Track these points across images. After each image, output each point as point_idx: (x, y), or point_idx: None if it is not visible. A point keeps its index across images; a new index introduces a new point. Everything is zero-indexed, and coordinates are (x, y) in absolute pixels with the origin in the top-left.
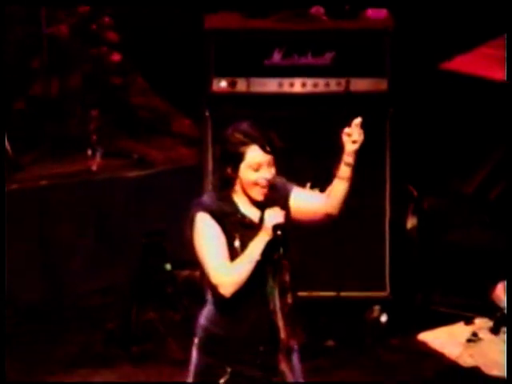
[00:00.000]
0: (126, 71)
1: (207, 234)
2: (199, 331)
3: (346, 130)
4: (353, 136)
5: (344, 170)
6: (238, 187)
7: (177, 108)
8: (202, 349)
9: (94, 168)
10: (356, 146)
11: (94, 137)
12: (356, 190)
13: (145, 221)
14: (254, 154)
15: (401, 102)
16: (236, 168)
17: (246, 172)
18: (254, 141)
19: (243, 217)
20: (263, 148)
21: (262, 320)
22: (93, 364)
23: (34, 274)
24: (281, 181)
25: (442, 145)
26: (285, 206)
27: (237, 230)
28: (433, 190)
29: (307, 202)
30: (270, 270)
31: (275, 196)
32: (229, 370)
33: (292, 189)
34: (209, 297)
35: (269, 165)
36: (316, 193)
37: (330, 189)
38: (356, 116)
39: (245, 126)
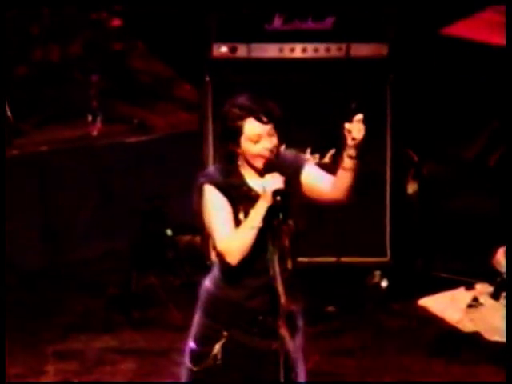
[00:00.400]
0: (127, 37)
1: (214, 205)
2: (203, 293)
3: (347, 125)
4: (353, 133)
5: (347, 162)
6: (242, 161)
7: (177, 73)
8: (203, 310)
9: (95, 133)
10: (356, 142)
11: (95, 102)
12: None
13: (145, 186)
14: (252, 127)
15: (401, 67)
16: (237, 142)
17: (246, 145)
18: (250, 113)
19: (249, 189)
20: (259, 119)
21: (263, 286)
22: (93, 329)
23: (35, 240)
24: (291, 153)
25: (442, 110)
26: (296, 178)
27: (242, 202)
28: (433, 155)
29: (317, 181)
30: (269, 236)
31: (285, 167)
32: (225, 333)
33: (305, 163)
34: (215, 261)
35: (269, 134)
36: (327, 176)
37: (335, 179)
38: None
39: (241, 99)
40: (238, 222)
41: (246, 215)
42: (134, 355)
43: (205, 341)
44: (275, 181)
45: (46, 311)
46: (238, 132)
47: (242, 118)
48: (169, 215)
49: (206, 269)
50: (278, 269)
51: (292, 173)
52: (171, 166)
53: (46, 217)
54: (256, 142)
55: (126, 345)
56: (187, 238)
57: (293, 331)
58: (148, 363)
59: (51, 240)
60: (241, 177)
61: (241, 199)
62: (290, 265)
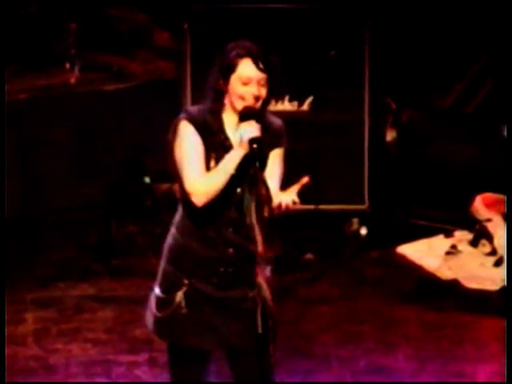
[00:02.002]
0: None
1: (188, 142)
2: (167, 239)
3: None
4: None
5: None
6: (227, 101)
7: (156, 21)
8: (167, 257)
9: (73, 81)
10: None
11: (73, 50)
12: (335, 102)
13: (124, 134)
14: (246, 68)
15: (380, 15)
16: (227, 79)
17: (235, 84)
18: (248, 54)
19: (225, 138)
20: (256, 63)
21: (226, 237)
22: (72, 278)
23: (14, 188)
24: (278, 122)
25: (421, 57)
26: (271, 145)
27: (216, 150)
28: (412, 102)
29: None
30: (246, 184)
31: (268, 128)
32: (186, 281)
33: (281, 145)
34: (180, 205)
35: (259, 83)
36: (274, 184)
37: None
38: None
39: (246, 41)
40: (207, 169)
41: (217, 164)
42: (112, 303)
43: (168, 288)
44: (252, 129)
45: (25, 259)
46: (231, 69)
47: (241, 56)
48: (147, 163)
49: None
50: (254, 217)
51: (267, 141)
52: (149, 113)
53: (24, 165)
54: (245, 84)
55: (105, 293)
56: (165, 185)
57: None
58: (127, 311)
59: (30, 189)
60: (221, 122)
61: (215, 146)
62: (266, 213)
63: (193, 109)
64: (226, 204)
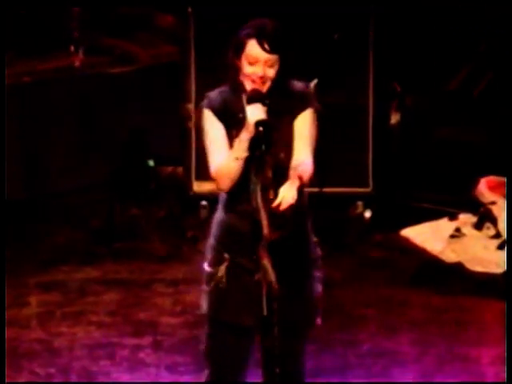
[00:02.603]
0: None
1: (209, 131)
2: (214, 216)
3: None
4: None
5: None
6: (242, 79)
7: (160, 4)
8: (212, 233)
9: (77, 64)
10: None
11: (76, 33)
12: (340, 86)
13: (128, 117)
14: (252, 48)
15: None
16: (239, 58)
17: (244, 63)
18: (255, 34)
19: (244, 117)
20: (261, 44)
21: (246, 217)
22: (76, 261)
23: (18, 171)
24: (301, 86)
25: (426, 40)
26: (297, 109)
27: (237, 128)
28: (416, 86)
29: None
30: (252, 167)
31: (289, 98)
32: (227, 256)
33: (308, 106)
34: None
35: (266, 63)
36: (300, 148)
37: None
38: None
39: (260, 20)
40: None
41: None
42: (116, 286)
43: (213, 262)
44: (257, 112)
45: (28, 242)
46: (241, 48)
47: (249, 35)
48: (151, 146)
49: (188, 199)
50: (260, 200)
51: (292, 107)
52: (154, 97)
53: (27, 148)
54: (251, 64)
55: (109, 276)
56: (169, 169)
57: (276, 261)
58: (131, 294)
59: (34, 171)
60: (241, 101)
61: (236, 125)
62: (272, 196)
63: (213, 93)
64: (241, 188)
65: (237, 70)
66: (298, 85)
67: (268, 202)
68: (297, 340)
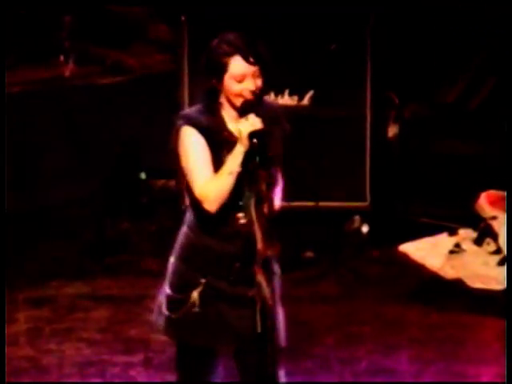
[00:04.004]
0: None
1: (193, 149)
2: (180, 237)
3: None
4: None
5: None
6: (223, 99)
7: (153, 13)
8: (180, 256)
9: (67, 74)
10: None
11: (67, 43)
12: (336, 97)
13: (119, 129)
14: (237, 65)
15: (382, 6)
16: (220, 79)
17: (229, 83)
18: (237, 51)
19: (230, 134)
20: (246, 59)
21: (239, 232)
22: (66, 276)
23: (7, 184)
24: (276, 105)
25: (424, 53)
26: (270, 131)
27: (223, 147)
28: (414, 98)
29: None
30: (245, 181)
31: (267, 115)
32: (203, 280)
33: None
34: (188, 206)
35: (253, 76)
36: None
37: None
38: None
39: (231, 36)
40: (219, 169)
41: None
42: (107, 302)
43: (182, 287)
44: (251, 122)
45: (17, 257)
46: (223, 68)
47: (229, 54)
48: (142, 158)
49: (181, 213)
50: (254, 214)
51: (278, 126)
52: (145, 108)
53: (16, 160)
54: (239, 81)
55: (100, 291)
56: (162, 182)
57: (269, 277)
58: (122, 310)
59: (22, 184)
60: (221, 119)
61: (222, 144)
62: (266, 209)
63: (191, 112)
64: (238, 199)
65: (216, 92)
66: (270, 100)
67: (263, 216)
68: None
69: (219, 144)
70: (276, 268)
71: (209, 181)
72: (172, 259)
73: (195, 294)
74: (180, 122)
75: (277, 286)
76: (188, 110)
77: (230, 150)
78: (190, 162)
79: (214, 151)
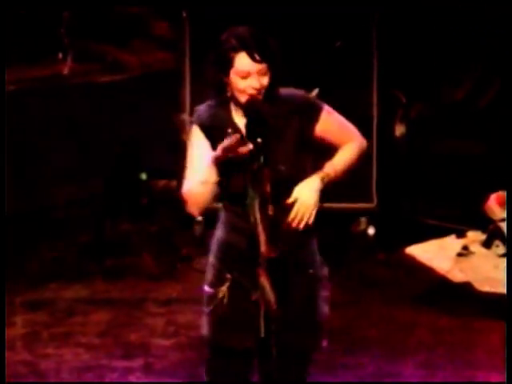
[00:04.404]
0: None
1: (192, 149)
2: (214, 235)
3: None
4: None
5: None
6: (231, 92)
7: (154, 10)
8: (212, 252)
9: (66, 72)
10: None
11: (66, 39)
12: (342, 96)
13: (119, 128)
14: (242, 62)
15: (389, 5)
16: (227, 73)
17: (234, 79)
18: (243, 47)
19: (234, 130)
20: (251, 56)
21: (244, 233)
22: (64, 278)
23: (6, 184)
24: (299, 93)
25: (431, 51)
26: (303, 125)
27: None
28: (422, 96)
29: (332, 140)
30: (249, 181)
31: (291, 107)
32: (229, 276)
33: (319, 112)
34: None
35: (259, 73)
36: (342, 133)
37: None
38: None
39: (240, 30)
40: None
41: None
42: (106, 306)
43: (214, 283)
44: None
45: (14, 259)
46: (229, 64)
47: (235, 50)
48: (143, 158)
49: (182, 214)
50: (258, 215)
51: (298, 117)
52: (146, 107)
53: (13, 160)
54: (244, 78)
55: (99, 295)
56: (163, 182)
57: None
58: (121, 314)
59: (21, 185)
60: (230, 114)
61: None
62: (271, 211)
63: (202, 107)
64: (238, 203)
65: (224, 86)
66: (293, 94)
67: (267, 217)
68: (300, 364)
69: (222, 139)
70: (323, 271)
71: (193, 185)
72: (209, 256)
73: (224, 289)
74: (192, 119)
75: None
76: (200, 106)
77: None
78: (188, 162)
79: (218, 146)
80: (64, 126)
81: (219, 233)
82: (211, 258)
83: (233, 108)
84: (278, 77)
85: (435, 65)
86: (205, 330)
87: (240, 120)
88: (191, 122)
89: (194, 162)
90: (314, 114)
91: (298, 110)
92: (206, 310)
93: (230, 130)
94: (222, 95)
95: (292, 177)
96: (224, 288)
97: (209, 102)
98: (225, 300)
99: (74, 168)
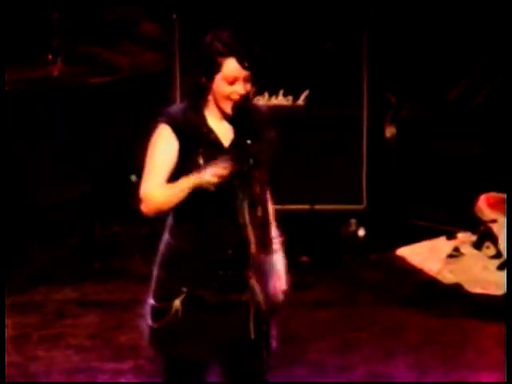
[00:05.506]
0: None
1: (158, 148)
2: (161, 244)
3: None
4: None
5: None
6: (210, 98)
7: (144, 10)
8: (161, 264)
9: (55, 74)
10: None
11: (55, 41)
12: (332, 97)
13: (109, 130)
14: (231, 67)
15: (381, 4)
16: (210, 78)
17: (220, 84)
18: (233, 53)
19: (209, 131)
20: (241, 62)
21: (233, 235)
22: (54, 281)
23: None
24: (265, 110)
25: (422, 50)
26: (260, 134)
27: (202, 145)
28: (412, 97)
29: None
30: (239, 183)
31: (256, 118)
32: (184, 289)
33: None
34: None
35: (245, 80)
36: None
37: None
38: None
39: (226, 35)
40: (197, 167)
41: (206, 160)
42: (96, 308)
43: (164, 296)
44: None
45: (4, 261)
46: (216, 68)
47: (224, 55)
48: (134, 160)
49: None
50: (248, 217)
51: (260, 129)
52: (136, 108)
53: (4, 161)
54: (231, 83)
55: (89, 297)
56: None
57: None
58: (112, 316)
59: (10, 186)
60: (203, 118)
61: (199, 141)
62: (260, 212)
63: (173, 109)
64: (222, 205)
65: (204, 90)
66: (259, 104)
67: (256, 218)
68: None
69: (197, 140)
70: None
71: (158, 187)
72: (155, 267)
73: (177, 303)
74: (159, 118)
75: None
76: (171, 107)
77: (209, 149)
78: (150, 161)
79: (191, 147)
80: (53, 128)
81: (173, 244)
82: (159, 270)
83: (207, 113)
84: (258, 82)
85: (426, 66)
86: (155, 344)
87: (216, 125)
88: (159, 122)
89: (160, 164)
90: (272, 138)
91: (266, 125)
92: (152, 323)
93: (205, 130)
94: (199, 99)
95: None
96: (177, 302)
97: (180, 105)
98: (179, 314)
99: (64, 169)
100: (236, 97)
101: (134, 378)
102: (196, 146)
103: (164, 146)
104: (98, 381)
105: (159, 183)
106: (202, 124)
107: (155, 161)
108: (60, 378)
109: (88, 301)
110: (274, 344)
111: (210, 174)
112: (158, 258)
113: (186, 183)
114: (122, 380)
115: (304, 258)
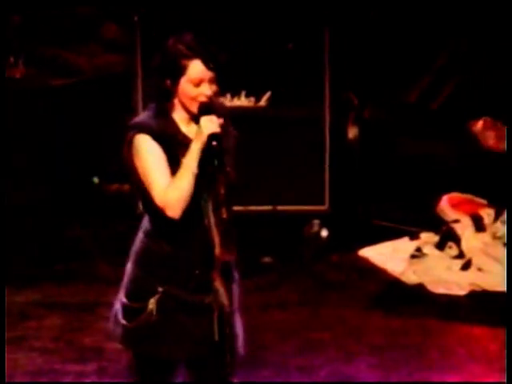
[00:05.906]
0: None
1: (149, 158)
2: (137, 244)
3: None
4: None
5: None
6: (176, 101)
7: (104, 13)
8: (136, 263)
9: (18, 76)
10: None
11: (16, 43)
12: (294, 97)
13: (71, 131)
14: (197, 69)
15: (340, 6)
16: (176, 81)
17: (185, 86)
18: (197, 55)
19: (185, 137)
20: (206, 63)
21: (198, 237)
22: (15, 283)
23: None
24: (226, 109)
25: (383, 50)
26: (225, 131)
27: (179, 150)
28: (374, 98)
29: None
30: (204, 184)
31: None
32: (160, 289)
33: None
34: (143, 212)
35: (210, 81)
36: None
37: None
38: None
39: (189, 37)
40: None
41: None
42: (59, 310)
43: (139, 295)
44: (212, 124)
45: None
46: (180, 71)
47: (189, 57)
48: (95, 162)
49: (134, 218)
50: (212, 219)
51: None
52: (98, 110)
53: None
54: (197, 85)
55: (51, 299)
56: (115, 186)
57: (228, 283)
58: (75, 318)
59: None
60: (174, 122)
61: (178, 147)
62: (225, 214)
63: (141, 118)
64: (191, 206)
65: (170, 94)
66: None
67: (221, 220)
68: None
69: (174, 147)
70: (235, 274)
71: (168, 187)
72: (129, 266)
73: (152, 302)
74: (132, 131)
75: (236, 292)
76: (138, 118)
77: (186, 153)
78: (147, 171)
79: (170, 154)
80: (15, 130)
81: (145, 243)
82: (133, 269)
83: (175, 116)
84: (221, 83)
85: (388, 66)
86: (127, 342)
87: (187, 128)
88: (134, 134)
89: (157, 168)
90: (234, 136)
91: (227, 124)
92: (125, 322)
93: (180, 137)
94: (165, 103)
95: (237, 180)
96: (152, 301)
97: (147, 113)
98: (153, 313)
99: (24, 171)
100: (203, 98)
101: (97, 380)
102: (174, 153)
103: (153, 150)
104: (62, 382)
105: (167, 183)
106: (175, 130)
107: (153, 168)
108: (24, 380)
109: (50, 303)
110: (241, 350)
111: (206, 128)
112: (133, 257)
113: (189, 159)
114: (86, 381)
115: (267, 259)
